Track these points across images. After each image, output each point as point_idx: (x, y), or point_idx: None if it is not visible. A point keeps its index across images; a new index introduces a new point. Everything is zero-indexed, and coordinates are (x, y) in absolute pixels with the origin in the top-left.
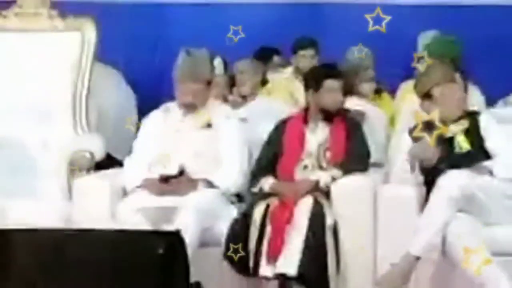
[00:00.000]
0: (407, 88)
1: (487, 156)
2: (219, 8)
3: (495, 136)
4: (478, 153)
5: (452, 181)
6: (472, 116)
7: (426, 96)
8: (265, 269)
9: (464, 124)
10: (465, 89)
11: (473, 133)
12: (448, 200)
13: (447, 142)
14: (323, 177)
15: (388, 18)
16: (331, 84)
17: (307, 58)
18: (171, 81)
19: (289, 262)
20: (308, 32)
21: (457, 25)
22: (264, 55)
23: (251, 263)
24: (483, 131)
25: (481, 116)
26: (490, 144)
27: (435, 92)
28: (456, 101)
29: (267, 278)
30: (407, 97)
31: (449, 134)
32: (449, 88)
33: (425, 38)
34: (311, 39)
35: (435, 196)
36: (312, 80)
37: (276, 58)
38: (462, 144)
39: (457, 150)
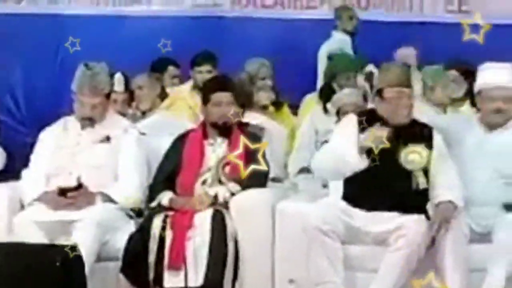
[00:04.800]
0: (308, 102)
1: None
2: (122, 21)
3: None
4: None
5: None
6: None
7: (377, 93)
8: (169, 280)
9: (421, 153)
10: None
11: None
12: None
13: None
14: (222, 192)
15: None
16: (218, 97)
17: (204, 74)
18: (70, 94)
19: (194, 273)
20: (211, 45)
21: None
22: (160, 66)
23: (151, 276)
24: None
25: (435, 137)
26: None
27: (386, 93)
28: (405, 108)
29: None
30: (309, 111)
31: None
32: (400, 92)
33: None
34: (208, 54)
35: None
36: (202, 94)
37: (171, 68)
38: (420, 181)
39: (413, 186)
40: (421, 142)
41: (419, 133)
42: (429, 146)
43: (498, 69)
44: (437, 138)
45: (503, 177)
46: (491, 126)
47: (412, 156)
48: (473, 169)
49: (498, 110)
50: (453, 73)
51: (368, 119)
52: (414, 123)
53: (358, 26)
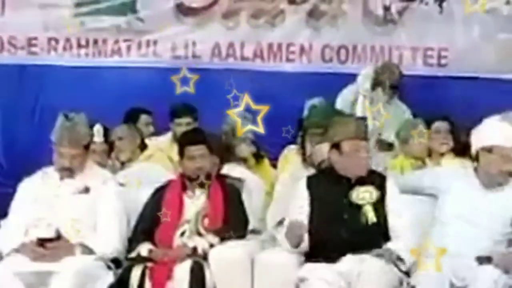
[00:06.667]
0: (287, 155)
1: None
2: (101, 72)
3: (400, 212)
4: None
5: None
6: (379, 179)
7: (334, 147)
8: None
9: (372, 192)
10: None
11: (380, 203)
12: None
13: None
14: (201, 244)
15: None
16: (191, 151)
17: (183, 126)
18: (49, 145)
19: None
20: (190, 97)
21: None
22: (132, 116)
23: None
24: (388, 202)
25: (388, 182)
26: (393, 221)
27: (345, 146)
28: (362, 160)
29: None
30: (286, 165)
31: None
32: (358, 145)
33: (309, 105)
34: (187, 106)
35: None
36: (178, 148)
37: (144, 117)
38: (369, 215)
39: (362, 220)
40: (374, 186)
41: (373, 181)
42: (382, 192)
43: (502, 128)
44: (391, 188)
45: (491, 235)
46: (488, 184)
47: (362, 194)
48: (463, 223)
49: (500, 171)
50: (442, 124)
51: (321, 178)
52: (370, 173)
53: (401, 80)
